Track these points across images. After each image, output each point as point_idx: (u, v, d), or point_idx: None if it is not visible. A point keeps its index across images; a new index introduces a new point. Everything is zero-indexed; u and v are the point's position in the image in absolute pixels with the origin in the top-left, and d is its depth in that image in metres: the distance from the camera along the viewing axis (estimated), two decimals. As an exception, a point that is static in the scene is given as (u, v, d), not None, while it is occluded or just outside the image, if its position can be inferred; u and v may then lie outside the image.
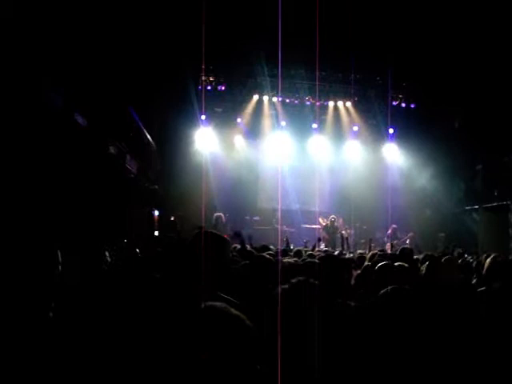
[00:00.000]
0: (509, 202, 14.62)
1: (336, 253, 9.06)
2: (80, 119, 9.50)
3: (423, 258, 6.28)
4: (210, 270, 2.76)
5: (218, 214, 15.35)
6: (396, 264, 4.56)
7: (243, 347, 1.55)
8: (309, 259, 5.35)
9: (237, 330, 1.56)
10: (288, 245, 10.82)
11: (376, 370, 2.65)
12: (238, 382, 1.53)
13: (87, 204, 10.04)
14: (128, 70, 12.00)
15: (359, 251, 9.77)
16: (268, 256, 4.47)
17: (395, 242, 15.39)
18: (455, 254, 8.93)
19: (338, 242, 15.67)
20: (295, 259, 5.96)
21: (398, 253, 6.78)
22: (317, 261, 4.48)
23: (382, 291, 3.04)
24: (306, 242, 11.52)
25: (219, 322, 1.56)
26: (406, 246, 13.45)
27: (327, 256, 5.30)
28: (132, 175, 13.38)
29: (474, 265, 6.68)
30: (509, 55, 13.10)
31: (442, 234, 17.31)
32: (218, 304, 1.62)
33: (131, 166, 13.43)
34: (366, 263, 5.61)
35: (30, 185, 7.36)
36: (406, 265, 4.66)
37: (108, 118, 10.70)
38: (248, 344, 1.57)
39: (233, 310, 1.62)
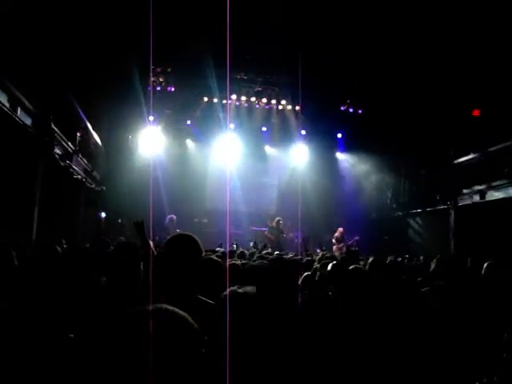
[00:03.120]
0: (450, 206, 15.09)
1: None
2: (25, 118, 9.25)
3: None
4: (187, 272, 2.77)
5: (171, 215, 15.26)
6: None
7: (189, 349, 1.54)
8: (259, 261, 5.40)
9: (183, 332, 1.55)
10: (238, 248, 10.86)
11: (321, 365, 2.72)
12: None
13: (31, 206, 9.81)
14: (76, 68, 11.77)
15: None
16: (215, 258, 4.49)
17: (341, 244, 15.67)
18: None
19: (283, 244, 15.87)
20: (241, 261, 6.00)
21: (344, 255, 6.94)
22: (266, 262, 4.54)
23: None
24: (236, 245, 11.58)
25: (165, 323, 1.55)
26: (352, 248, 13.74)
27: (277, 258, 5.36)
28: (78, 176, 13.11)
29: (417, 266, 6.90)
30: (448, 58, 13.57)
31: (386, 237, 17.73)
32: (164, 306, 1.61)
33: (78, 166, 13.16)
34: (315, 265, 5.70)
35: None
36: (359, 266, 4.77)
37: (54, 117, 10.45)
38: (194, 346, 1.56)
39: (180, 312, 1.61)
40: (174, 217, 15.29)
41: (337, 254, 12.68)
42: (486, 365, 3.25)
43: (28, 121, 9.46)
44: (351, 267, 4.59)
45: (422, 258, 9.17)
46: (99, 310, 2.91)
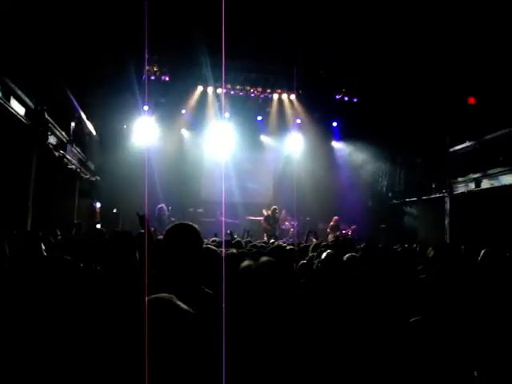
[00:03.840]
0: (445, 194, 15.11)
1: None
2: (18, 107, 9.18)
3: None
4: (188, 263, 2.74)
5: (160, 205, 15.23)
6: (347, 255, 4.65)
7: (188, 339, 1.53)
8: (255, 249, 5.40)
9: (182, 322, 1.54)
10: (232, 237, 10.82)
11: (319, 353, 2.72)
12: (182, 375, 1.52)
13: (25, 196, 9.77)
14: (70, 57, 11.68)
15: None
16: (212, 247, 4.47)
17: (337, 233, 15.67)
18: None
19: (279, 232, 15.91)
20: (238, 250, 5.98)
21: (340, 243, 6.90)
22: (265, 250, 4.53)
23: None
24: (230, 233, 11.51)
25: (164, 312, 1.54)
26: (348, 237, 13.74)
27: (276, 247, 5.36)
28: (73, 166, 13.05)
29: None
30: (444, 46, 13.54)
31: (384, 226, 17.75)
32: (165, 295, 1.60)
33: (72, 156, 13.10)
34: (311, 254, 5.69)
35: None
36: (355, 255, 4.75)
37: (48, 106, 10.38)
38: (193, 336, 1.56)
39: (179, 303, 1.60)
40: (163, 206, 15.29)
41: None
42: (485, 353, 3.24)
43: (21, 111, 9.39)
44: (347, 255, 4.58)
45: (415, 245, 9.16)
46: (95, 300, 2.88)
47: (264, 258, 3.04)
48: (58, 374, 2.21)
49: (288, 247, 6.63)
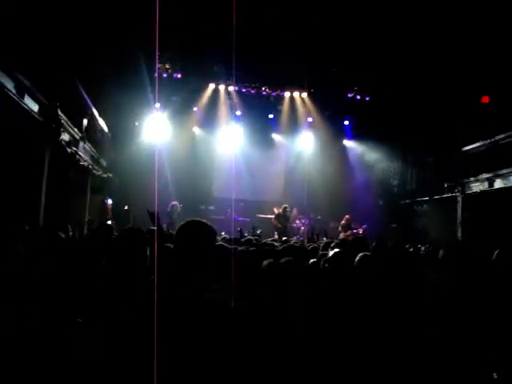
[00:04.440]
0: (457, 194, 15.00)
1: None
2: (32, 104, 9.23)
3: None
4: (201, 259, 2.73)
5: (174, 202, 15.23)
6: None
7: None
8: (266, 247, 5.40)
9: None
10: (242, 235, 10.81)
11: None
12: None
13: (38, 192, 9.83)
14: (83, 55, 11.72)
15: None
16: (225, 244, 4.48)
17: (349, 232, 15.59)
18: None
19: (290, 231, 15.88)
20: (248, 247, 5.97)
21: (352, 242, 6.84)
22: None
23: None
24: (240, 231, 11.49)
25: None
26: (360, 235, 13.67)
27: (288, 245, 5.35)
28: (85, 163, 13.11)
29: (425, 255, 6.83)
30: (457, 44, 13.45)
31: (394, 225, 17.66)
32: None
33: (84, 153, 13.16)
34: (321, 252, 5.66)
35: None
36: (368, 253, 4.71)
37: (61, 103, 10.42)
38: None
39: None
40: (177, 203, 15.29)
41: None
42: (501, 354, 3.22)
43: (35, 107, 9.44)
44: (360, 254, 4.54)
45: (426, 246, 9.10)
46: (105, 295, 2.89)
47: (284, 258, 3.10)
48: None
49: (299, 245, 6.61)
